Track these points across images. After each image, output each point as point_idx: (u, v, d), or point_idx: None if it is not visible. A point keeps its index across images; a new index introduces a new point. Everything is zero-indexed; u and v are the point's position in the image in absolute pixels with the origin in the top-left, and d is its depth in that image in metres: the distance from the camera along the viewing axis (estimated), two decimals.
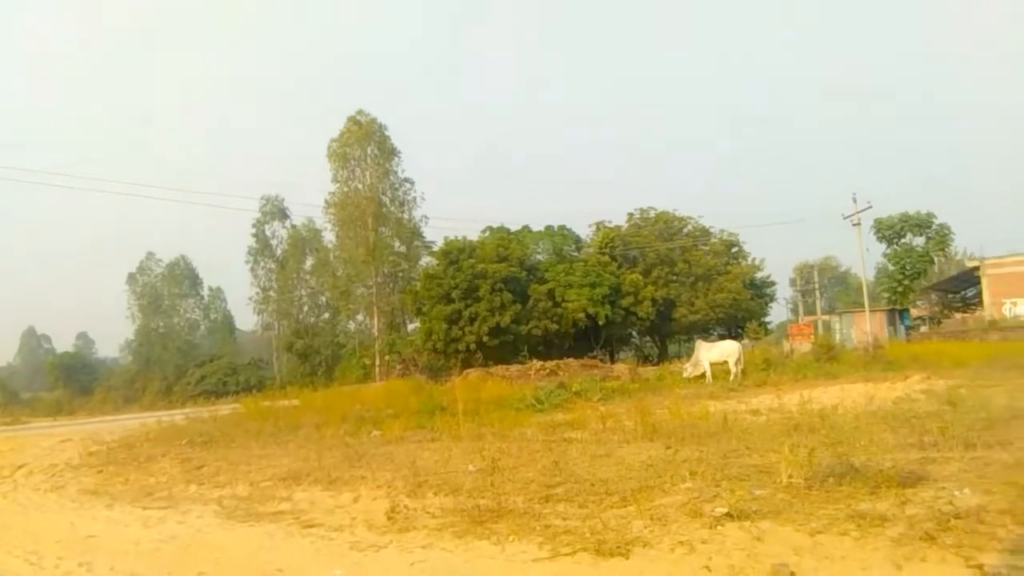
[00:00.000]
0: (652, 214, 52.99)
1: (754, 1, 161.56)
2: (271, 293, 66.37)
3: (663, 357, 47.13)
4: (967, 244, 57.03)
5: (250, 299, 66.66)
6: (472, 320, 42.07)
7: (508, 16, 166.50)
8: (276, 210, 66.79)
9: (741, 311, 49.86)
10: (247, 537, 7.19)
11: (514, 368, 30.49)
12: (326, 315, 65.95)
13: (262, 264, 66.63)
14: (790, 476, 6.75)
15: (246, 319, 72.50)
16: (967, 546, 4.74)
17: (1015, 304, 45.93)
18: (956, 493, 6.00)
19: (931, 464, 7.27)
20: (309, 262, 67.07)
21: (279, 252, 67.29)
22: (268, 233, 67.12)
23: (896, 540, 5.00)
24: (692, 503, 6.42)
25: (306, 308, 67.19)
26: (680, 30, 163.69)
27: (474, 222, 64.91)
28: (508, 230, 50.35)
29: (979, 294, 49.17)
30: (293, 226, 67.62)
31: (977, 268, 48.75)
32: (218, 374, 57.02)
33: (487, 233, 49.79)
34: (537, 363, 30.18)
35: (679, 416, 12.07)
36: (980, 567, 4.46)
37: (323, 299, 65.93)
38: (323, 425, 15.39)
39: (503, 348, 41.06)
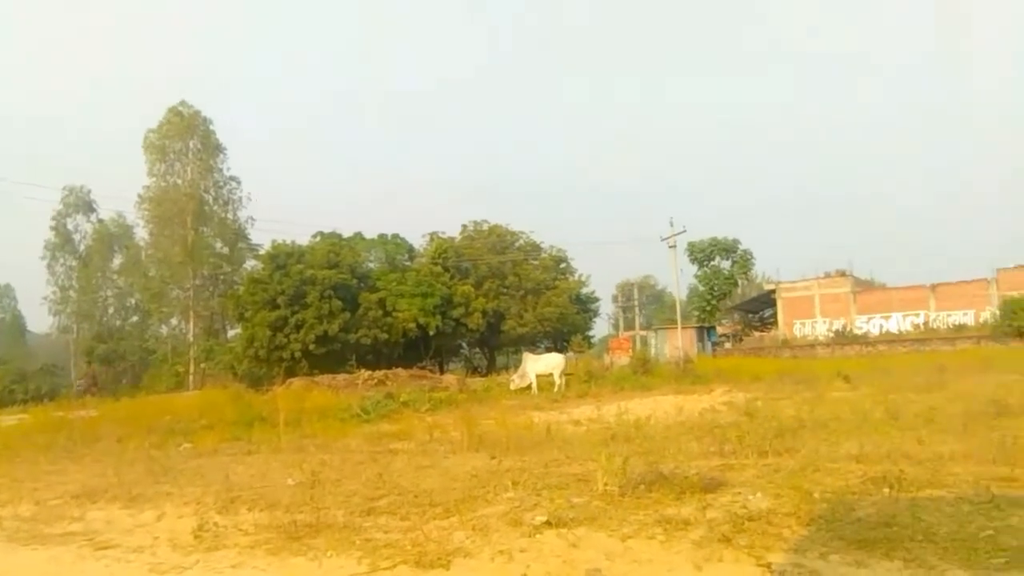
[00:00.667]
0: (485, 227, 53.86)
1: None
2: (71, 293, 60.66)
3: (492, 368, 47.85)
4: (766, 268, 62.77)
5: (45, 299, 60.61)
6: (298, 327, 40.64)
7: (331, 17, 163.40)
8: (80, 202, 61.26)
9: (567, 325, 51.71)
10: (30, 562, 6.45)
11: (341, 378, 29.71)
12: (135, 318, 61.29)
13: (61, 261, 60.82)
14: (606, 484, 7.05)
15: (40, 321, 65.67)
16: (758, 547, 5.15)
17: (803, 324, 51.07)
18: (750, 497, 6.53)
19: (730, 471, 7.87)
20: (117, 260, 62.05)
21: (82, 248, 61.64)
22: (70, 227, 61.41)
23: (697, 542, 5.35)
24: (513, 512, 6.53)
25: (111, 310, 62.11)
26: (503, 34, 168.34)
27: (305, 227, 62.66)
28: (340, 236, 49.14)
29: (775, 315, 54.20)
30: (100, 220, 62.28)
31: (773, 291, 53.75)
32: (3, 381, 51.10)
33: (318, 238, 48.34)
34: (365, 373, 29.61)
35: (505, 427, 12.26)
36: (768, 566, 4.86)
37: (132, 301, 61.25)
38: (125, 438, 14.20)
39: (330, 357, 39.95)
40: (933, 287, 47.29)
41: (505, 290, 50.94)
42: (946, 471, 7.13)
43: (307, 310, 40.82)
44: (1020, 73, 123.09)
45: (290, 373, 35.32)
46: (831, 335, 47.91)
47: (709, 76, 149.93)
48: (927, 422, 10.62)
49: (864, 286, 51.69)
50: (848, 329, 48.09)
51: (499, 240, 53.13)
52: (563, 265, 55.84)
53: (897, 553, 4.78)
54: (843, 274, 51.34)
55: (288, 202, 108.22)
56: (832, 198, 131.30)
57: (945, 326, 44.54)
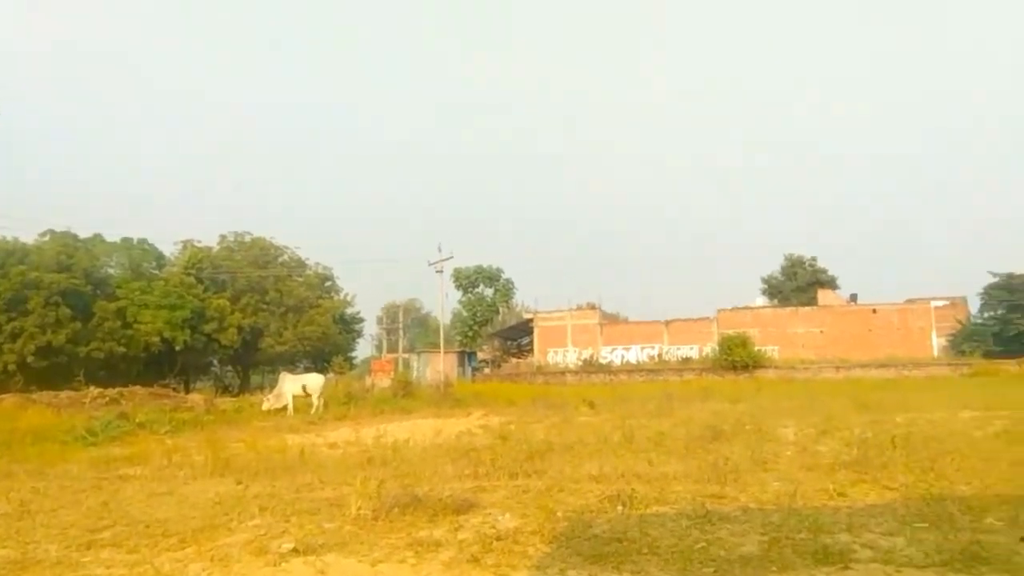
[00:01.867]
0: (248, 239, 51.23)
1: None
2: None
3: (245, 388, 45.33)
4: (526, 298, 65.97)
5: None
6: (15, 336, 35.75)
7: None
8: None
9: (329, 345, 50.46)
10: None
11: (65, 395, 26.32)
12: None
13: None
14: (359, 508, 6.94)
15: None
16: (504, 565, 5.35)
17: (556, 352, 54.27)
18: (499, 518, 6.77)
19: (482, 492, 8.11)
20: None
21: None
22: None
23: (447, 564, 5.44)
24: (258, 540, 6.20)
25: None
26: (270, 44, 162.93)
27: (33, 223, 55.13)
28: (76, 236, 43.85)
29: (532, 342, 57.03)
30: None
31: (531, 320, 56.61)
32: None
33: (47, 237, 42.79)
34: (95, 390, 26.48)
35: (255, 450, 11.65)
36: None
37: None
38: None
39: (54, 371, 35.42)
40: (667, 323, 52.61)
41: (265, 306, 48.65)
42: (670, 489, 7.91)
43: (27, 317, 36.02)
44: (736, 132, 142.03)
45: (2, 389, 30.75)
46: (580, 363, 51.36)
47: (476, 112, 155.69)
48: (656, 445, 11.72)
49: (610, 319, 56.19)
50: (595, 358, 51.86)
51: (261, 253, 50.76)
52: (328, 283, 54.63)
53: (626, 566, 5.20)
54: (593, 307, 55.43)
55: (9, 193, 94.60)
56: (587, 235, 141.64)
57: (675, 358, 49.62)
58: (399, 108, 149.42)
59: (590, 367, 49.82)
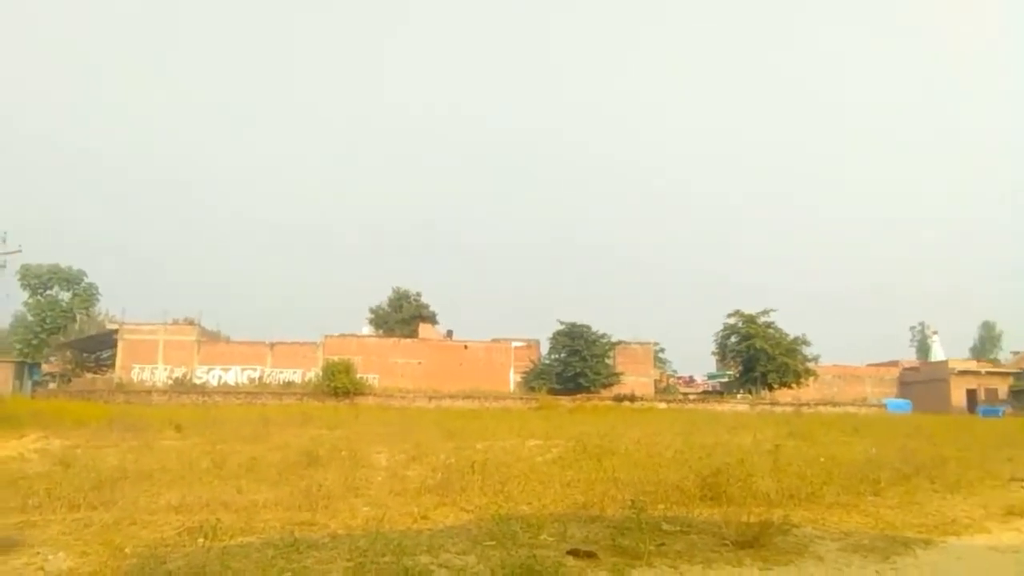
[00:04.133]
0: None
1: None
2: None
3: None
4: (110, 307, 58.68)
5: None
6: None
7: None
8: None
9: None
10: None
11: None
12: None
13: None
14: None
15: None
16: None
17: (143, 369, 49.12)
18: (50, 557, 5.81)
19: (32, 528, 6.91)
20: None
21: None
22: None
23: None
24: None
25: None
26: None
27: None
28: None
29: (114, 356, 50.80)
30: None
31: (116, 331, 50.50)
32: None
33: None
34: None
35: None
36: None
37: None
38: None
39: None
40: (272, 345, 51.13)
41: None
42: (259, 518, 7.60)
43: None
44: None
45: None
46: (170, 382, 47.14)
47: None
48: (248, 471, 11.22)
49: (210, 337, 52.72)
50: (189, 378, 48.09)
51: None
52: None
53: None
54: (191, 323, 51.45)
55: None
56: (196, 251, 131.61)
57: (278, 382, 48.36)
58: None
59: (182, 387, 45.95)
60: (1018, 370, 62.45)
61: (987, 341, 78.10)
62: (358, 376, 45.21)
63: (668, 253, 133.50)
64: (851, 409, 45.01)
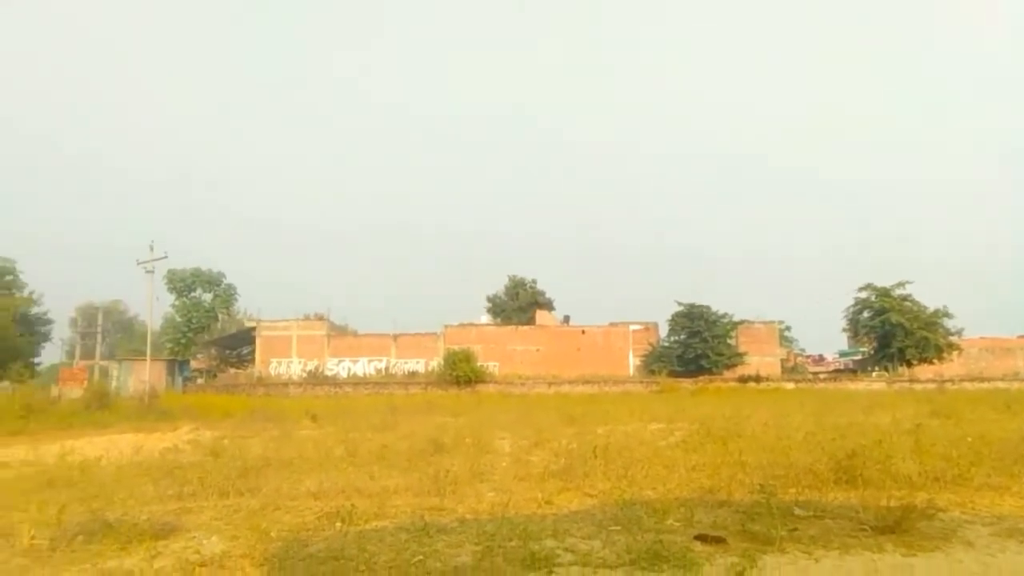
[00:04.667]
0: None
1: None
2: None
3: None
4: (248, 306, 62.44)
5: None
6: None
7: None
8: None
9: (6, 349, 43.52)
10: None
11: None
12: None
13: None
14: (33, 537, 6.02)
15: None
16: None
17: (279, 363, 52.04)
18: (204, 541, 6.26)
19: (187, 514, 7.45)
20: None
21: None
22: None
23: None
24: None
25: None
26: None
27: None
28: None
29: (253, 352, 54.07)
30: None
31: (254, 328, 53.71)
32: None
33: None
34: None
35: None
36: None
37: None
38: None
39: None
40: (395, 337, 52.97)
41: None
42: (391, 503, 7.89)
43: None
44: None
45: None
46: (305, 375, 49.74)
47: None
48: (379, 458, 11.67)
49: (338, 331, 55.17)
50: (320, 370, 50.57)
51: None
52: (8, 278, 47.20)
53: None
54: (321, 318, 54.04)
55: None
56: (311, 244, 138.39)
57: (403, 372, 50.07)
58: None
59: (315, 379, 48.46)
60: None
61: None
62: (478, 364, 46.14)
63: (794, 236, 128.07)
64: (1001, 384, 41.69)
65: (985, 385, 41.35)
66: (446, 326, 53.37)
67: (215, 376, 55.13)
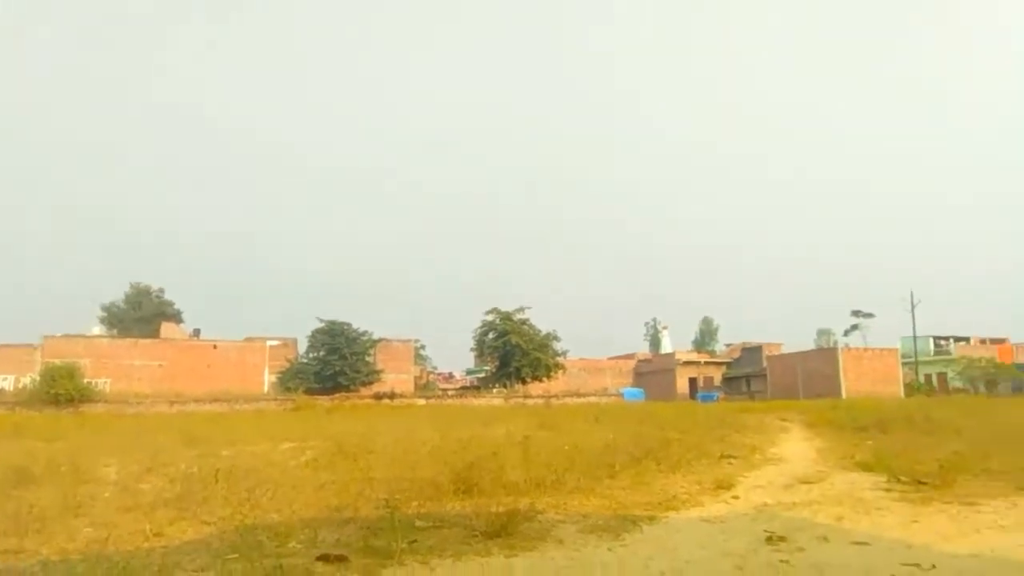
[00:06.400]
0: None
1: None
2: None
3: None
4: None
5: None
6: None
7: None
8: None
9: None
10: None
11: None
12: None
13: None
14: None
15: None
16: None
17: None
18: None
19: None
20: None
21: None
22: None
23: None
24: None
25: None
26: None
27: None
28: None
29: None
30: None
31: None
32: None
33: None
34: None
35: None
36: None
37: None
38: None
39: None
40: None
41: None
42: None
43: None
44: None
45: None
46: None
47: None
48: None
49: None
50: None
51: None
52: None
53: None
54: None
55: None
56: None
57: None
58: None
59: None
60: (730, 359, 71.43)
61: (706, 335, 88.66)
62: (86, 381, 40.45)
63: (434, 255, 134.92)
64: (593, 399, 48.54)
65: (581, 400, 47.76)
66: (46, 336, 46.06)
67: None
